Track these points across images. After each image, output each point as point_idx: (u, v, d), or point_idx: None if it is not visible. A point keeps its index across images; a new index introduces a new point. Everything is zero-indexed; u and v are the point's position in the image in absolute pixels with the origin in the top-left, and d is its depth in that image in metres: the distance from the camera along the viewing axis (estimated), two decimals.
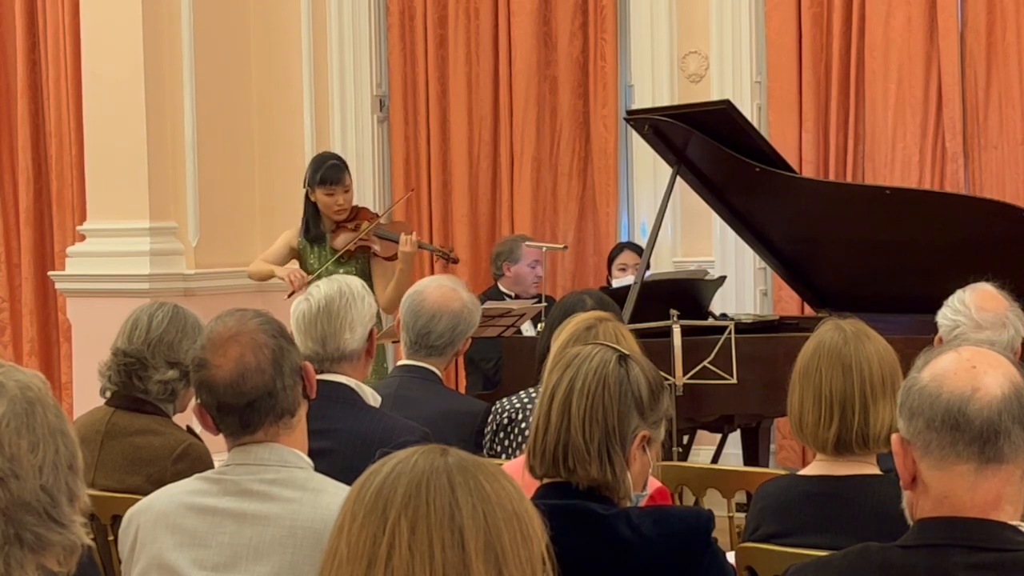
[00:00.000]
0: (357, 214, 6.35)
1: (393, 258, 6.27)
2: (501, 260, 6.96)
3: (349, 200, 6.31)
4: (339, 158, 6.45)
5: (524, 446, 3.73)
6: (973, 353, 2.10)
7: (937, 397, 2.06)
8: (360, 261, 6.29)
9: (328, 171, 6.25)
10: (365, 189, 7.95)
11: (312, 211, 6.33)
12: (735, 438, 6.39)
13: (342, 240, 6.28)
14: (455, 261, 6.64)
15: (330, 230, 6.32)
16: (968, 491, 2.06)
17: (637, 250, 6.93)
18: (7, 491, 1.75)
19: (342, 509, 1.66)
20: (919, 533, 2.11)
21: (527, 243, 6.91)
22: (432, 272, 7.49)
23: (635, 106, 7.10)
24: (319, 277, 6.19)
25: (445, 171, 7.86)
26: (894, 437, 2.12)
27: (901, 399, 2.12)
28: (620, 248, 7.04)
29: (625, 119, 6.71)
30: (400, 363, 4.14)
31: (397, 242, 6.22)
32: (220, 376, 2.63)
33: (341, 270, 6.13)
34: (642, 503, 2.74)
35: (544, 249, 6.71)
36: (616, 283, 6.77)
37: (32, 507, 1.76)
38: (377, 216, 6.41)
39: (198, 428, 3.54)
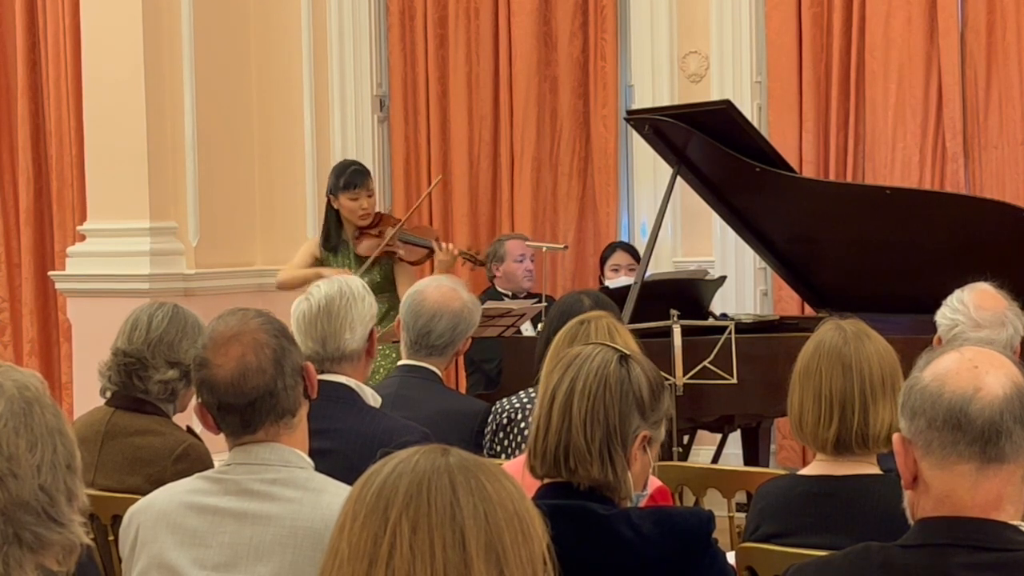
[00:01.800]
0: (380, 220, 6.35)
1: (418, 262, 6.29)
2: (489, 263, 6.99)
3: (373, 205, 6.33)
4: (362, 164, 6.48)
5: (524, 446, 3.73)
6: (975, 353, 2.10)
7: (939, 397, 2.06)
8: (384, 267, 6.29)
9: (352, 175, 6.27)
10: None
11: (334, 219, 6.33)
12: (735, 438, 6.39)
13: (366, 246, 6.26)
14: (482, 264, 6.67)
15: (353, 237, 6.31)
16: (969, 491, 2.06)
17: (630, 250, 6.93)
18: (6, 491, 1.75)
19: (343, 509, 1.66)
20: (920, 533, 2.11)
21: (527, 242, 6.91)
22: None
23: (635, 106, 7.10)
24: None
25: (445, 171, 7.85)
26: (895, 436, 2.12)
27: (903, 399, 2.12)
28: (612, 248, 7.03)
29: (625, 119, 6.71)
30: (400, 363, 4.14)
31: (423, 246, 6.25)
32: (221, 375, 2.63)
33: (366, 277, 6.15)
34: (642, 503, 2.74)
35: (544, 249, 6.71)
36: (609, 284, 6.76)
37: (31, 506, 1.76)
38: (399, 220, 6.40)
39: (198, 428, 3.55)
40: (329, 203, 6.34)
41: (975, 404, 2.04)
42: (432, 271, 6.33)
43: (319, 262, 6.38)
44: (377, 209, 6.46)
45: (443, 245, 6.29)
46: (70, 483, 1.81)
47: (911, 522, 2.14)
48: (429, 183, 7.87)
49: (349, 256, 6.31)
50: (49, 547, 1.78)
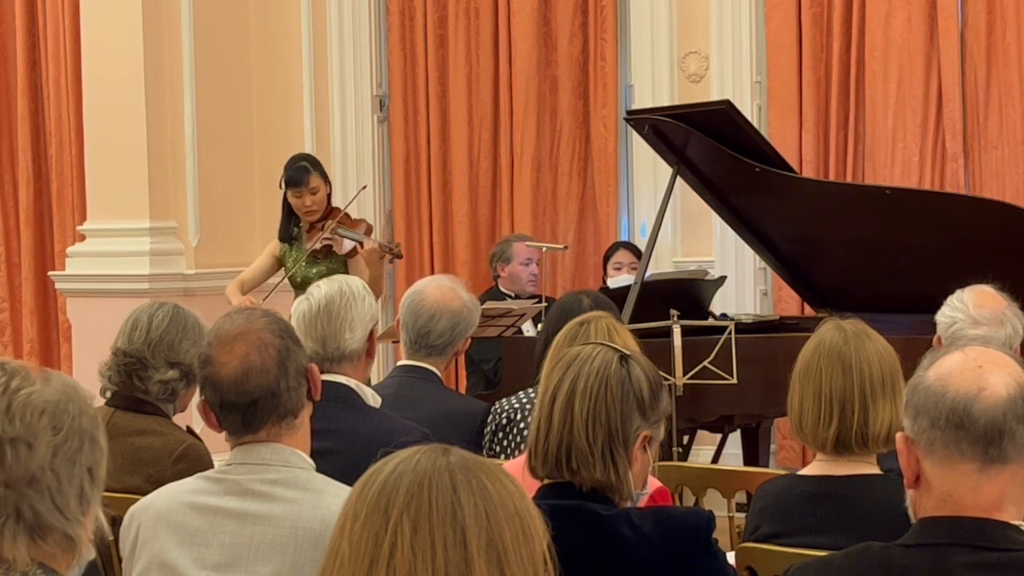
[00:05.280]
0: (328, 214, 6.38)
1: (351, 254, 6.31)
2: (495, 262, 6.99)
3: (317, 202, 6.34)
4: (310, 159, 6.49)
5: (523, 446, 3.73)
6: (979, 353, 2.10)
7: (942, 396, 2.06)
8: (336, 261, 6.31)
9: (294, 173, 6.35)
10: (365, 189, 7.95)
11: (287, 211, 6.41)
12: (735, 438, 6.39)
13: (311, 238, 6.34)
14: (399, 256, 6.59)
15: (306, 231, 6.36)
16: (971, 491, 2.06)
17: (632, 249, 6.93)
18: (16, 456, 1.76)
19: (344, 508, 1.66)
20: (921, 532, 2.10)
21: (527, 243, 6.91)
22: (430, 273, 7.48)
23: (635, 106, 7.10)
24: (293, 279, 6.24)
25: (445, 171, 7.86)
26: (899, 435, 2.12)
27: (906, 397, 2.12)
28: (616, 247, 7.04)
29: (625, 119, 6.71)
30: (400, 363, 4.14)
31: (355, 239, 6.28)
32: (224, 374, 2.63)
33: (314, 270, 6.17)
34: (641, 502, 2.75)
35: (544, 249, 6.71)
36: (611, 282, 6.77)
37: (37, 481, 1.77)
38: (341, 212, 6.44)
39: (198, 428, 3.55)
40: (284, 196, 6.40)
41: (978, 404, 2.04)
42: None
43: (280, 261, 6.42)
44: (338, 205, 6.49)
45: (367, 240, 6.32)
46: (86, 486, 1.82)
47: (913, 521, 2.14)
48: (429, 183, 7.88)
49: (301, 249, 6.36)
50: (47, 531, 1.78)
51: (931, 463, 2.08)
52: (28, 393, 1.82)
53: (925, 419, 2.07)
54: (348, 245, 6.33)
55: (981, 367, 2.07)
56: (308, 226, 6.37)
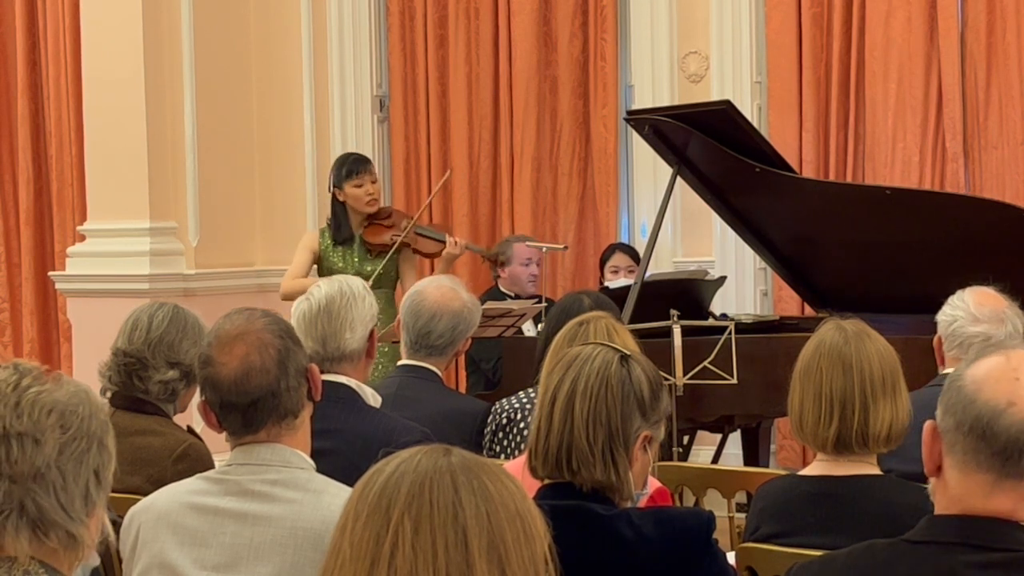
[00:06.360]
0: (390, 213, 6.45)
1: (432, 255, 6.39)
2: (495, 264, 7.00)
3: (378, 191, 6.43)
4: (360, 153, 6.64)
5: (523, 447, 3.73)
6: (1022, 360, 2.06)
7: (971, 403, 2.04)
8: (391, 259, 6.35)
9: (353, 163, 6.41)
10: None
11: (341, 211, 6.40)
12: (735, 438, 6.39)
13: (381, 236, 6.35)
14: (492, 260, 6.77)
15: (362, 227, 6.37)
16: (982, 500, 2.04)
17: (629, 252, 6.93)
18: (23, 451, 1.77)
19: (345, 508, 1.66)
20: (929, 529, 2.10)
21: (527, 243, 6.91)
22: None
23: (635, 106, 7.10)
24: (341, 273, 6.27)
25: (445, 171, 7.85)
26: (928, 423, 2.11)
27: (944, 388, 2.10)
28: (612, 250, 7.03)
29: (625, 119, 6.71)
30: (400, 363, 4.14)
31: (438, 240, 6.34)
32: (225, 374, 2.63)
33: (368, 267, 6.22)
34: (641, 502, 2.75)
35: (544, 249, 6.72)
36: (608, 284, 6.76)
37: (43, 477, 1.79)
38: (407, 214, 6.56)
39: (198, 428, 3.55)
40: (334, 197, 6.41)
41: (1003, 420, 2.02)
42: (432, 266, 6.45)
43: (316, 256, 6.43)
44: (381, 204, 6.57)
45: (454, 239, 6.41)
46: (91, 487, 1.83)
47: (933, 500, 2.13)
48: (429, 183, 7.88)
49: (354, 248, 6.36)
50: (49, 527, 1.79)
51: (950, 462, 2.07)
52: (38, 391, 1.83)
53: (951, 419, 2.06)
54: (431, 244, 6.39)
55: (1019, 379, 2.04)
56: (367, 222, 6.39)
